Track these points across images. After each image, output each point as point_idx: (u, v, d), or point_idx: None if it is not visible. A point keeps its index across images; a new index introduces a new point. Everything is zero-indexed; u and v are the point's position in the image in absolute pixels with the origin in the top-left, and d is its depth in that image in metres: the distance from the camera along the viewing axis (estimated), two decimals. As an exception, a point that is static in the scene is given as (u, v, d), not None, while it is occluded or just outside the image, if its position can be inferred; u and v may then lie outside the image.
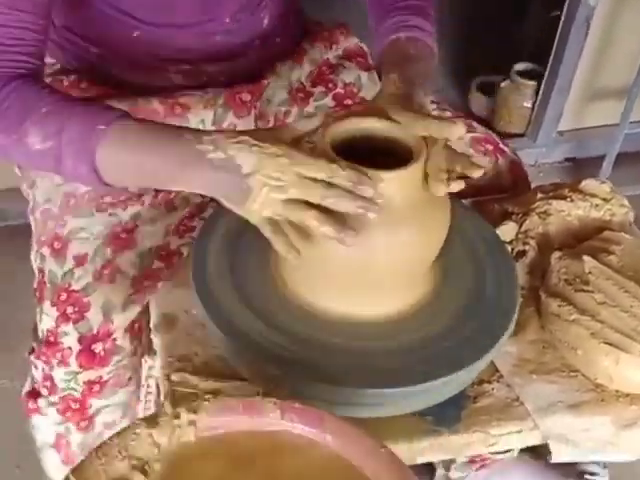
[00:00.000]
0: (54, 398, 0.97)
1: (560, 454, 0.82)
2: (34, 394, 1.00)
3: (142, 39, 1.00)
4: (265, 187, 0.73)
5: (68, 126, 0.80)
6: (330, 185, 0.73)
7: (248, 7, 1.05)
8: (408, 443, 0.80)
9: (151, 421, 0.63)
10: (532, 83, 2.19)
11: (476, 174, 0.78)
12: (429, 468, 1.20)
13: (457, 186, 0.77)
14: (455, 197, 0.85)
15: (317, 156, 0.75)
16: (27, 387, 1.03)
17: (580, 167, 2.24)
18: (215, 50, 1.04)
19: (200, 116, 1.04)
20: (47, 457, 1.04)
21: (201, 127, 1.06)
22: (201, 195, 1.06)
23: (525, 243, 0.98)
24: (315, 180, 0.73)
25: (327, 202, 0.73)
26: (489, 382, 0.86)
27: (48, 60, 1.09)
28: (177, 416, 0.64)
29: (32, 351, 0.99)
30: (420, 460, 0.81)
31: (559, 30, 2.05)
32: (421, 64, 0.94)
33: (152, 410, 0.99)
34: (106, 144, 0.79)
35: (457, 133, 0.77)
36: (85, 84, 1.04)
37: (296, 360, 0.77)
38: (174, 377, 0.83)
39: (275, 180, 0.73)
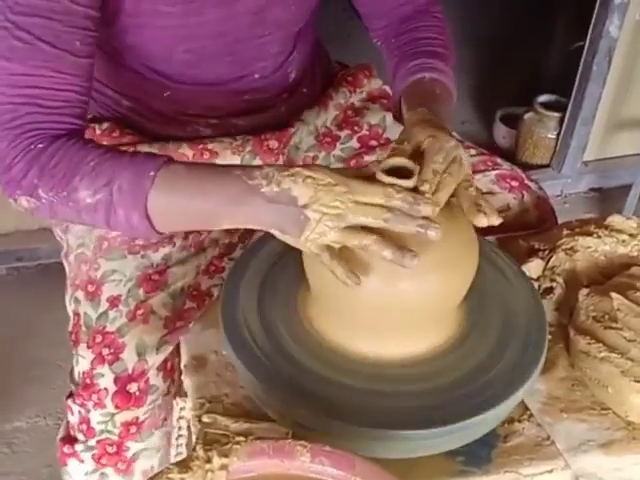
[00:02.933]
0: (91, 442, 0.98)
1: (593, 494, 0.82)
2: (69, 440, 1.01)
3: (173, 98, 1.02)
4: (324, 216, 0.74)
5: (118, 176, 0.81)
6: (390, 209, 0.74)
7: (276, 63, 1.07)
8: (439, 484, 0.79)
9: (183, 466, 0.64)
10: (556, 115, 2.20)
11: (495, 221, 0.78)
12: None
13: (497, 220, 0.78)
14: (480, 234, 0.86)
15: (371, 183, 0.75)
16: (62, 433, 1.04)
17: (606, 197, 2.23)
18: (245, 105, 1.06)
19: (228, 161, 1.06)
20: None
21: None
22: (229, 235, 1.08)
23: (552, 280, 0.98)
24: (373, 205, 0.74)
25: (389, 224, 0.73)
26: (519, 421, 0.85)
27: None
28: (209, 460, 0.65)
29: (69, 395, 1.00)
30: (452, 501, 0.81)
31: (582, 61, 2.06)
32: (444, 105, 0.95)
33: (184, 451, 1.00)
34: (157, 190, 0.80)
35: (495, 221, 0.78)
36: (117, 133, 1.07)
37: (324, 402, 0.78)
38: (205, 418, 0.84)
39: (333, 208, 0.74)
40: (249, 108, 1.07)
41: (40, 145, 0.84)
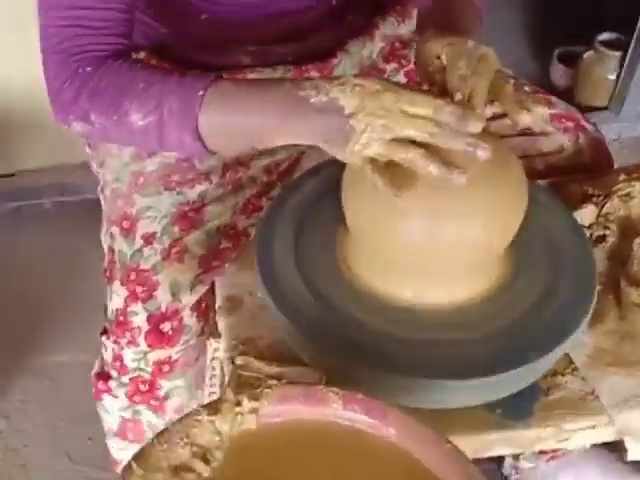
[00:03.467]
0: (124, 379, 0.99)
1: (637, 452, 0.79)
2: (104, 376, 1.01)
3: (210, 21, 0.98)
4: (368, 127, 0.71)
5: (167, 98, 0.80)
6: (438, 123, 0.70)
7: None
8: (476, 436, 0.77)
9: (212, 408, 0.63)
10: (617, 54, 2.10)
11: (538, 110, 0.74)
12: (497, 457, 1.18)
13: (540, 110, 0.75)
14: (532, 177, 0.81)
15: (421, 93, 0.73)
16: (96, 368, 1.04)
17: (666, 142, 2.14)
18: (284, 30, 1.02)
19: None
20: (111, 443, 1.06)
21: None
22: (268, 173, 1.06)
23: (605, 227, 0.94)
24: (421, 117, 0.71)
25: (435, 139, 0.70)
26: (563, 374, 0.82)
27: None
28: (239, 403, 0.64)
29: (104, 331, 1.00)
30: (490, 454, 0.79)
31: (647, -3, 1.95)
32: (463, 15, 0.91)
33: (217, 392, 0.99)
34: (206, 110, 0.79)
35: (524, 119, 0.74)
36: (155, 61, 1.04)
37: (359, 347, 0.76)
38: (238, 360, 0.82)
39: (379, 118, 0.71)
40: (289, 33, 1.02)
41: (88, 68, 0.83)
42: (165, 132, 0.81)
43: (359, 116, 0.71)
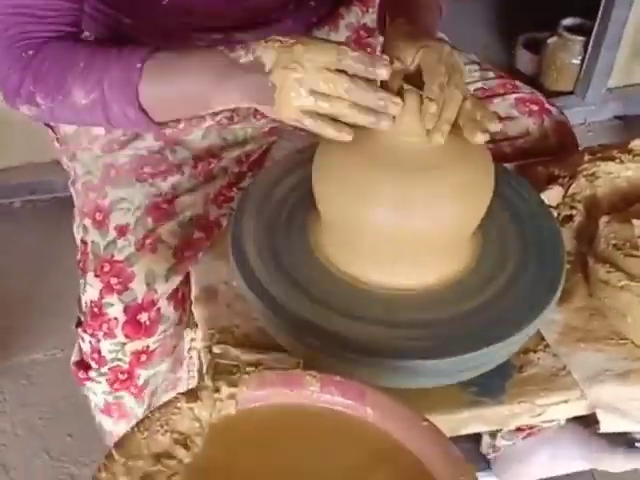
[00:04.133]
0: (103, 369, 0.99)
1: (609, 424, 0.80)
2: (83, 365, 1.01)
3: (171, 6, 0.98)
4: (285, 81, 0.73)
5: (107, 73, 0.81)
6: (350, 77, 0.72)
7: None
8: (451, 415, 0.79)
9: (192, 395, 0.63)
10: (580, 39, 2.13)
11: (494, 127, 0.76)
12: (475, 436, 1.19)
13: (494, 126, 0.75)
14: (499, 161, 0.82)
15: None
16: (75, 357, 1.04)
17: (631, 125, 2.17)
18: (248, 16, 1.02)
19: None
20: (100, 418, 1.06)
21: None
22: (239, 164, 1.06)
23: (572, 207, 0.95)
24: (334, 72, 0.72)
25: (348, 94, 0.72)
26: (535, 351, 0.84)
27: (84, 33, 1.08)
28: (217, 390, 0.64)
29: (79, 323, 1.00)
30: (464, 432, 0.80)
31: (608, -18, 1.98)
32: (429, 13, 0.93)
33: (195, 381, 1.00)
34: (146, 80, 0.81)
35: (494, 127, 0.76)
36: None
37: (335, 331, 0.76)
38: (215, 349, 0.83)
39: (292, 71, 0.73)
40: (252, 19, 1.02)
41: (30, 52, 0.84)
42: (108, 107, 0.82)
43: (276, 71, 0.74)
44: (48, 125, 1.10)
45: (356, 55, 0.73)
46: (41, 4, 0.85)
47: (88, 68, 0.82)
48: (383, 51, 0.86)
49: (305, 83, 0.73)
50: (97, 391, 1.02)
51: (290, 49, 0.73)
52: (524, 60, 2.27)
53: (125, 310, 0.95)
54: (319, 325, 0.77)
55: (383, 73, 0.73)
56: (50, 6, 0.85)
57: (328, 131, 0.74)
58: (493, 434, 1.16)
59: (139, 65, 0.80)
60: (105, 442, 1.08)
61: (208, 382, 0.65)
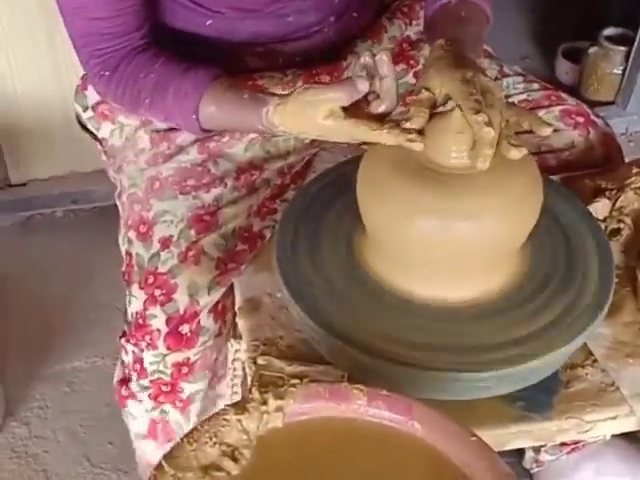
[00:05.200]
0: (145, 382, 0.99)
1: (658, 441, 0.79)
2: (125, 381, 1.02)
3: (214, 27, 1.00)
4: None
5: (171, 116, 0.95)
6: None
7: None
8: (498, 429, 0.78)
9: (240, 407, 0.64)
10: (622, 49, 2.09)
11: (544, 132, 0.77)
12: (518, 450, 1.18)
13: (545, 131, 0.77)
14: (545, 173, 0.82)
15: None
16: (118, 375, 1.04)
17: (674, 135, 2.13)
18: (289, 31, 1.02)
19: None
20: (142, 445, 1.06)
21: None
22: (281, 176, 1.07)
23: (620, 221, 0.94)
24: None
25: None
26: (583, 366, 0.83)
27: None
28: (265, 402, 0.64)
29: (123, 334, 1.01)
30: (510, 447, 0.79)
31: (651, -8, 1.95)
32: (472, 27, 0.91)
33: (239, 393, 1.00)
34: (206, 99, 0.91)
35: (545, 131, 0.77)
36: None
37: (380, 345, 0.76)
38: (260, 361, 0.83)
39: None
40: (295, 32, 1.03)
41: (107, 73, 0.96)
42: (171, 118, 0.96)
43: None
44: (96, 138, 1.12)
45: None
46: (106, 23, 0.94)
47: (153, 106, 0.96)
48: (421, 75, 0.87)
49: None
50: (138, 412, 1.02)
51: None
52: (564, 70, 2.25)
53: (167, 321, 0.96)
54: (364, 338, 0.77)
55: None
56: (114, 23, 0.94)
57: (394, 138, 0.77)
58: (537, 448, 1.15)
59: (194, 117, 0.92)
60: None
61: (256, 394, 0.65)
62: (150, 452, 1.06)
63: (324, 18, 1.05)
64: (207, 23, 1.00)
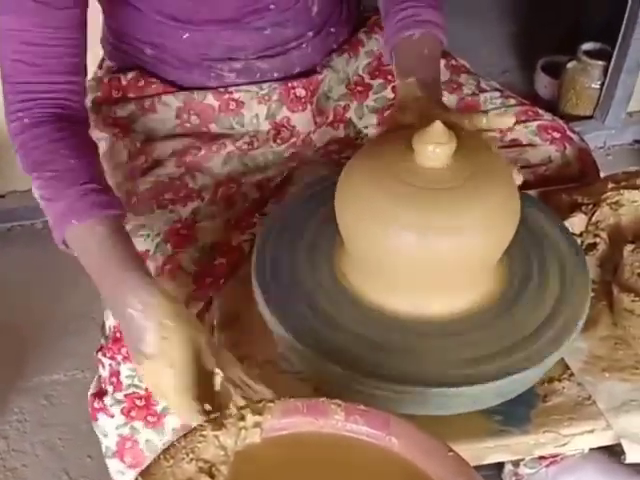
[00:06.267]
0: (119, 395, 0.98)
1: (634, 454, 0.80)
2: (100, 394, 1.00)
3: (191, 40, 1.00)
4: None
5: (55, 201, 0.86)
6: None
7: None
8: (476, 444, 0.78)
9: (217, 423, 0.64)
10: (600, 63, 2.12)
11: (506, 123, 0.81)
12: (497, 464, 1.19)
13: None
14: (521, 187, 0.82)
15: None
16: (93, 389, 1.03)
17: (651, 149, 2.16)
18: (266, 45, 1.03)
19: (254, 111, 1.04)
20: (111, 464, 1.05)
21: (255, 122, 1.06)
22: (260, 190, 1.07)
23: (596, 235, 0.95)
24: None
25: None
26: (559, 380, 0.83)
27: (107, 63, 1.10)
28: (242, 418, 0.64)
29: (100, 348, 1.00)
30: (488, 461, 0.80)
31: (628, 8, 1.97)
32: (433, 64, 0.94)
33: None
34: (70, 235, 0.85)
35: (508, 123, 0.80)
36: (142, 82, 1.05)
37: (359, 359, 0.76)
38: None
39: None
40: (272, 47, 1.03)
41: (26, 120, 0.88)
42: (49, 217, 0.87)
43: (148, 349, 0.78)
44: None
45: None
46: (39, 51, 0.87)
47: (51, 182, 0.86)
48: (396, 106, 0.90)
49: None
50: (109, 428, 1.00)
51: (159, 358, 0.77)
52: (543, 84, 2.27)
53: None
54: (343, 353, 0.77)
55: None
56: (48, 53, 0.87)
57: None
58: (516, 462, 1.16)
59: (75, 222, 0.83)
60: None
61: (233, 410, 0.65)
62: (115, 473, 1.04)
63: (302, 33, 1.06)
64: (183, 37, 1.00)
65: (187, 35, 1.00)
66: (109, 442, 1.00)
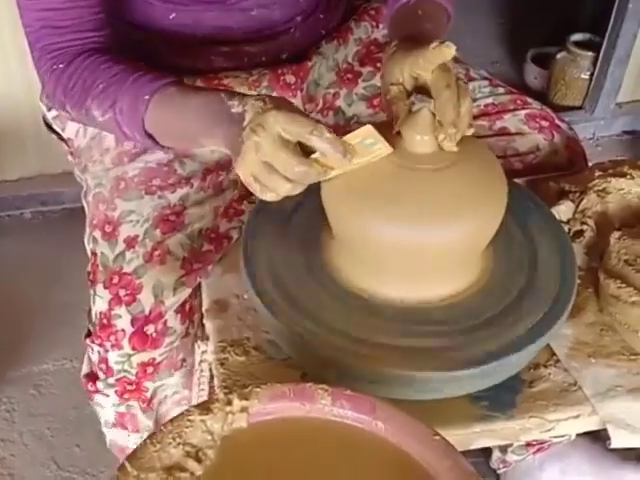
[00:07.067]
0: (111, 380, 0.99)
1: (620, 440, 0.80)
2: (92, 376, 1.01)
3: (179, 21, 1.00)
4: (248, 142, 0.73)
5: (120, 99, 0.88)
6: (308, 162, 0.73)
7: None
8: (462, 429, 0.78)
9: (204, 408, 0.64)
10: (590, 54, 2.12)
11: (445, 54, 0.77)
12: (485, 450, 1.19)
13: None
14: (509, 176, 0.83)
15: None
16: (85, 369, 1.04)
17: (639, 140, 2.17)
18: (255, 28, 1.03)
19: None
20: (111, 433, 1.06)
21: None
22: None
23: (583, 223, 0.95)
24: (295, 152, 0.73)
25: (297, 179, 0.74)
26: (545, 366, 0.84)
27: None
28: (229, 403, 0.64)
29: (88, 334, 1.00)
30: (474, 446, 0.80)
31: (617, -1, 1.98)
32: (429, 24, 0.92)
33: (206, 394, 1.00)
34: (150, 112, 0.86)
35: (449, 54, 0.77)
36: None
37: (346, 344, 0.77)
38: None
39: (254, 134, 0.73)
40: (261, 31, 1.03)
41: (60, 65, 0.92)
42: (120, 127, 0.90)
43: (245, 129, 0.74)
44: (62, 139, 1.11)
45: (329, 137, 0.72)
46: (59, 16, 0.91)
47: (105, 91, 0.89)
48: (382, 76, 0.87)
49: (262, 150, 0.73)
50: (106, 405, 1.02)
51: (265, 112, 0.74)
52: (533, 75, 2.28)
53: (132, 322, 0.95)
54: (331, 338, 0.77)
55: (345, 162, 0.74)
56: (68, 16, 0.91)
57: (313, 172, 0.75)
58: (503, 449, 1.16)
59: (147, 97, 0.86)
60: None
61: (220, 395, 0.65)
62: (122, 438, 1.05)
63: (290, 17, 1.05)
64: (170, 17, 1.00)
65: (174, 15, 1.00)
66: (107, 414, 1.02)
